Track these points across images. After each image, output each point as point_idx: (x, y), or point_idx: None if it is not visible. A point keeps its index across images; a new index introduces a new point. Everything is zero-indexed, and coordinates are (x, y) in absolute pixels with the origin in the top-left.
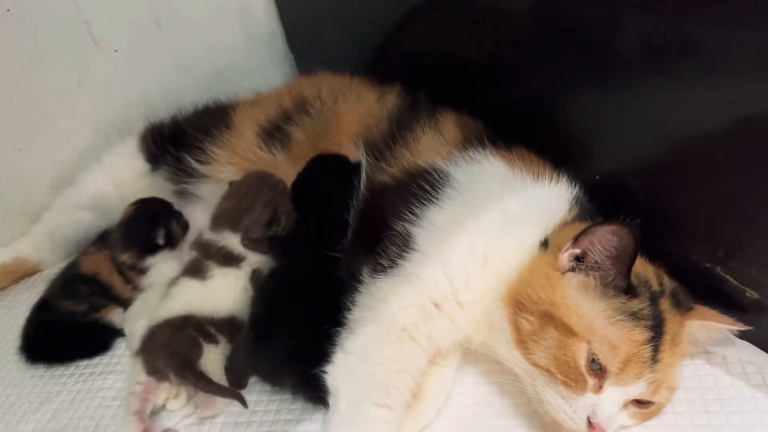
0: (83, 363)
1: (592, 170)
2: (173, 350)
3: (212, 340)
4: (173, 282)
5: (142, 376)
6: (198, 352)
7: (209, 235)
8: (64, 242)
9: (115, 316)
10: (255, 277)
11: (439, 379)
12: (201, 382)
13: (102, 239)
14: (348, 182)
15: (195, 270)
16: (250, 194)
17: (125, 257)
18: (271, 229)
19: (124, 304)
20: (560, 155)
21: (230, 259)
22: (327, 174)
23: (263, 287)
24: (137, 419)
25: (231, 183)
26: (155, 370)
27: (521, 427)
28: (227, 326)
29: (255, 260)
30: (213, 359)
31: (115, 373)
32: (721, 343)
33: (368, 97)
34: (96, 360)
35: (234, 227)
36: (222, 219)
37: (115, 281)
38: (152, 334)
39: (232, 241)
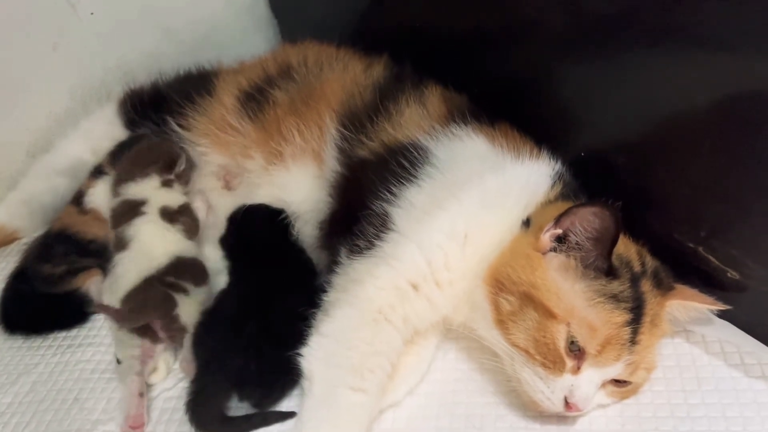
0: (62, 335)
1: (578, 146)
2: (143, 301)
3: (179, 289)
4: (111, 269)
5: (137, 340)
6: (172, 303)
7: (116, 200)
8: (41, 209)
9: (93, 284)
10: (166, 213)
11: (414, 359)
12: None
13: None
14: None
15: (120, 246)
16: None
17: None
18: (175, 169)
19: (97, 254)
20: (546, 131)
21: (132, 208)
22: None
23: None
24: (140, 379)
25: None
26: (144, 331)
27: (500, 404)
28: (181, 270)
29: (160, 200)
30: (188, 310)
31: (94, 346)
32: (700, 322)
33: (355, 67)
34: (74, 332)
35: (133, 176)
36: (120, 177)
37: (82, 225)
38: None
39: (132, 191)
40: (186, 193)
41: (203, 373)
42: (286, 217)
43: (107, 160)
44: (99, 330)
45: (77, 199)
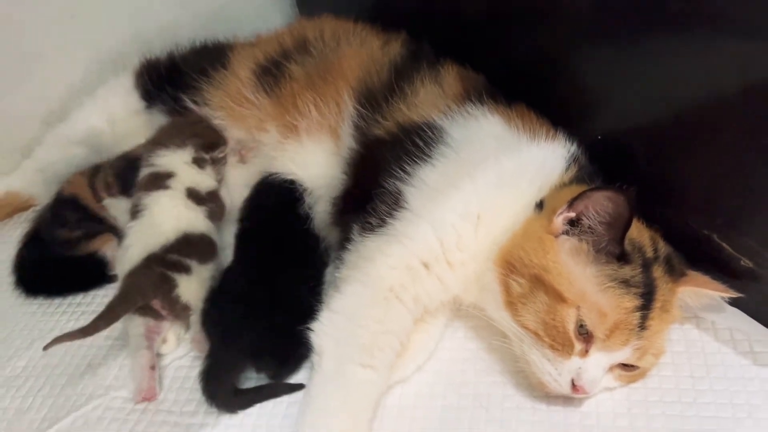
0: (76, 301)
1: (595, 130)
2: (131, 285)
3: (181, 268)
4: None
5: (139, 319)
6: (170, 284)
7: (144, 169)
8: (56, 178)
9: (108, 249)
10: (193, 194)
11: (423, 336)
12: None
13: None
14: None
15: (133, 213)
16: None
17: (111, 180)
18: (214, 152)
19: (107, 222)
20: (563, 113)
21: (156, 181)
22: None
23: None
24: (149, 353)
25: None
26: (145, 311)
27: (507, 384)
28: (186, 247)
29: (187, 178)
30: (191, 289)
31: None
32: (711, 310)
33: (372, 43)
34: (89, 299)
35: (167, 143)
36: (156, 139)
37: (88, 197)
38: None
39: (162, 160)
40: (218, 181)
41: (218, 346)
42: (298, 189)
43: (113, 184)
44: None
45: (91, 180)
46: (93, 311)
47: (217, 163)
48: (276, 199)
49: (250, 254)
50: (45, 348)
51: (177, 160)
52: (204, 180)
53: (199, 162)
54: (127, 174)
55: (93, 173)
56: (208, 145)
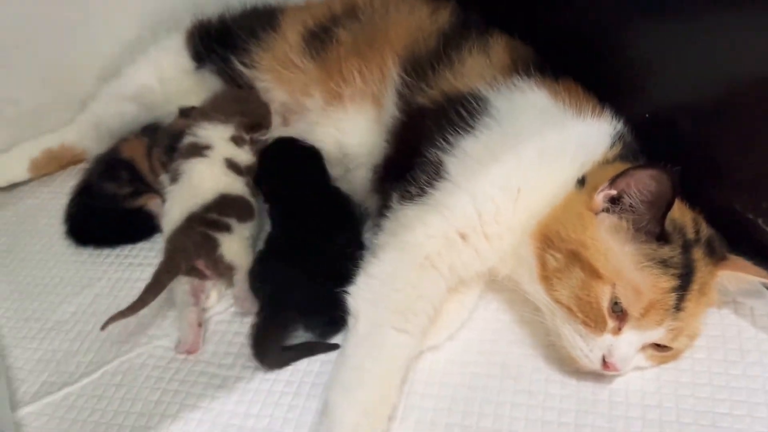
0: (124, 253)
1: (643, 108)
2: (175, 249)
3: (222, 227)
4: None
5: (184, 278)
6: (213, 244)
7: (187, 137)
8: (108, 133)
9: (153, 206)
10: (232, 165)
11: (457, 306)
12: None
13: (146, 130)
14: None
15: (172, 178)
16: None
17: (163, 157)
18: (256, 134)
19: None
20: (612, 89)
21: (194, 150)
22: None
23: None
24: (197, 310)
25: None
26: (187, 271)
27: (537, 356)
28: (224, 206)
29: (225, 152)
30: (233, 248)
31: (153, 267)
32: (751, 295)
33: (421, 11)
34: (135, 252)
35: (211, 117)
36: (204, 109)
37: (144, 167)
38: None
39: (202, 132)
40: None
41: (269, 305)
42: (318, 152)
43: (167, 162)
44: (158, 252)
45: (148, 150)
46: (139, 263)
47: (256, 144)
48: (295, 161)
49: (281, 217)
50: (102, 327)
51: (216, 135)
52: (240, 155)
53: (237, 140)
54: (173, 150)
55: (150, 144)
56: (251, 125)
